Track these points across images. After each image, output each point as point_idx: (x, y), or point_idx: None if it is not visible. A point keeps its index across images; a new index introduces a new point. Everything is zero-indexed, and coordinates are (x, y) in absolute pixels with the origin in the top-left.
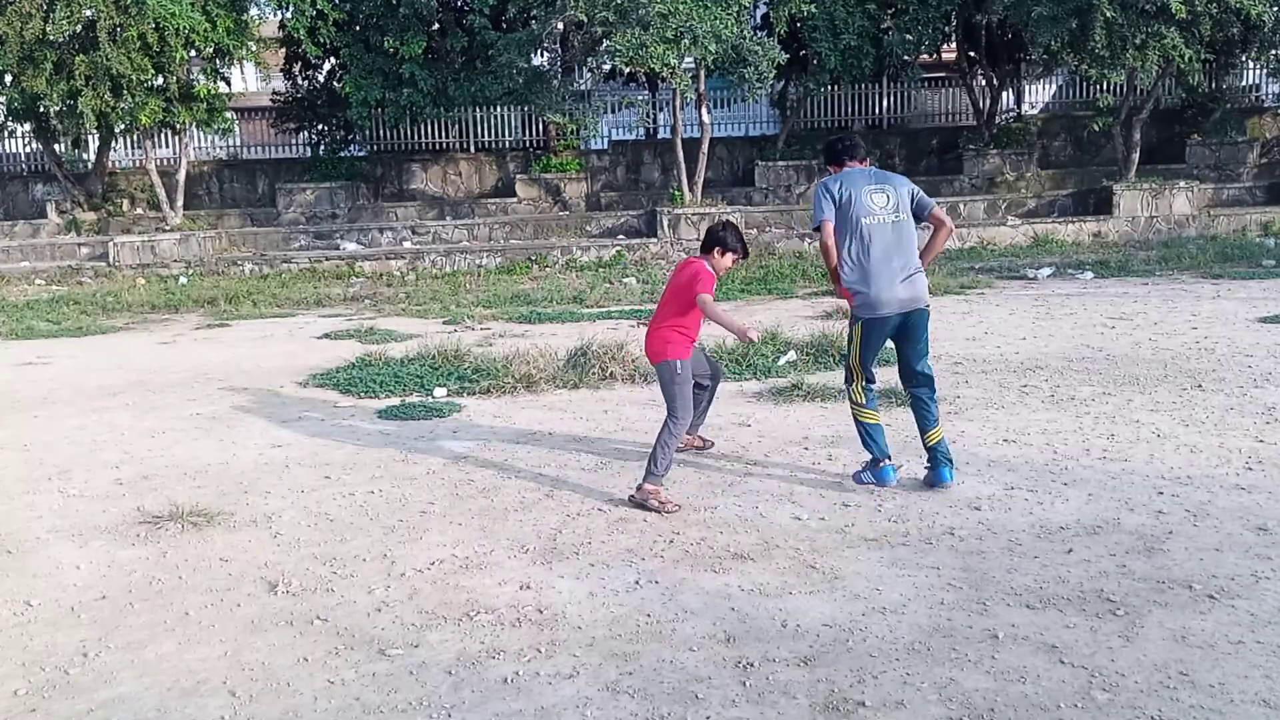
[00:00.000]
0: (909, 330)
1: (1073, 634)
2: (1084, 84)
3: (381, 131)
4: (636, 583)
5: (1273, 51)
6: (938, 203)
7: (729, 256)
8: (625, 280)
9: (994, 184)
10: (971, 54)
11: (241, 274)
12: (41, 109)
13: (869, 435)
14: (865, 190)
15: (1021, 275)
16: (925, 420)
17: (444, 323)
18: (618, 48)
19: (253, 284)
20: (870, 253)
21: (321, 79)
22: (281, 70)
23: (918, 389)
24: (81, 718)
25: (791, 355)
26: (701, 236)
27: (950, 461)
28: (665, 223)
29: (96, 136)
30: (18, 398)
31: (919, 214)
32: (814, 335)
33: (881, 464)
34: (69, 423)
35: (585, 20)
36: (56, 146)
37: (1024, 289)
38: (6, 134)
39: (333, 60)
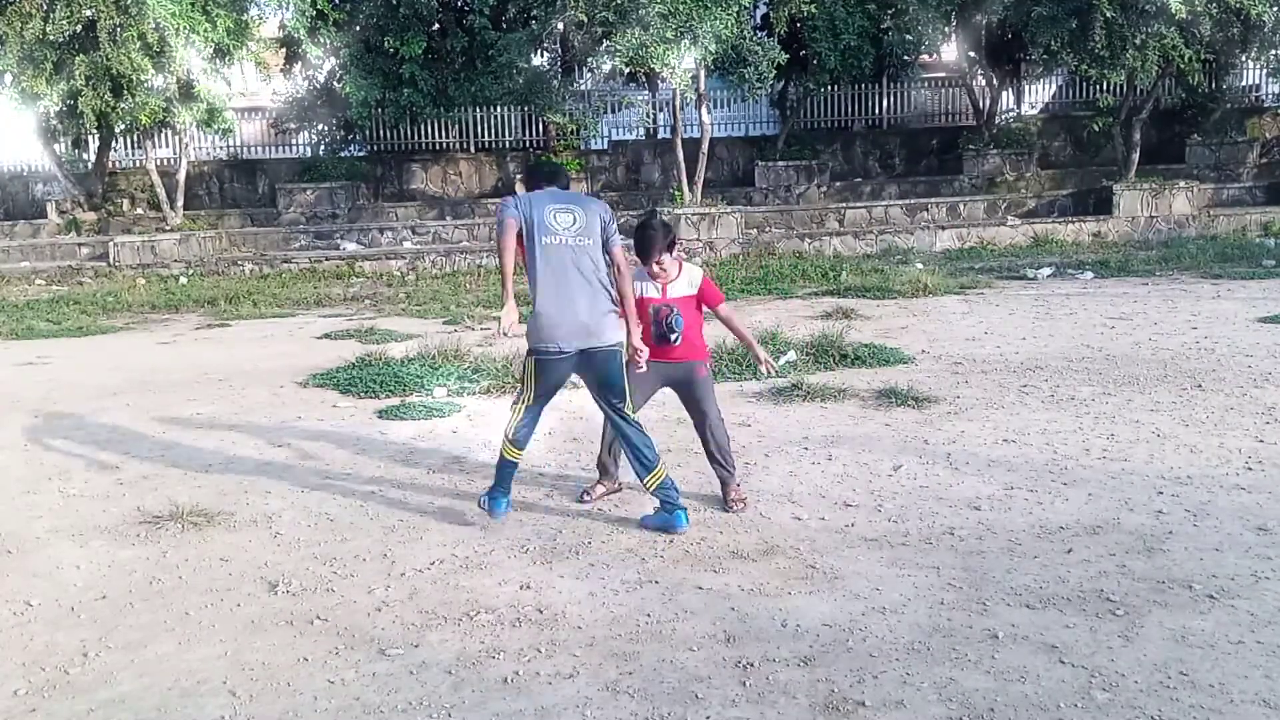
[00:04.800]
0: (594, 370)
1: (1073, 634)
2: (1084, 84)
3: (381, 131)
4: (637, 583)
5: (1273, 51)
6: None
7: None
8: None
9: (994, 184)
10: (971, 54)
11: (241, 274)
12: (41, 109)
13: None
14: (549, 209)
15: (1021, 275)
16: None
17: (444, 323)
18: (618, 48)
19: (253, 284)
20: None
21: (321, 79)
22: (281, 70)
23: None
24: (81, 718)
25: (791, 355)
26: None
27: (676, 505)
28: None
29: (96, 136)
30: (18, 398)
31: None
32: (814, 335)
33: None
34: (69, 423)
35: (585, 20)
36: (56, 146)
37: (1024, 289)
38: None
39: (333, 60)
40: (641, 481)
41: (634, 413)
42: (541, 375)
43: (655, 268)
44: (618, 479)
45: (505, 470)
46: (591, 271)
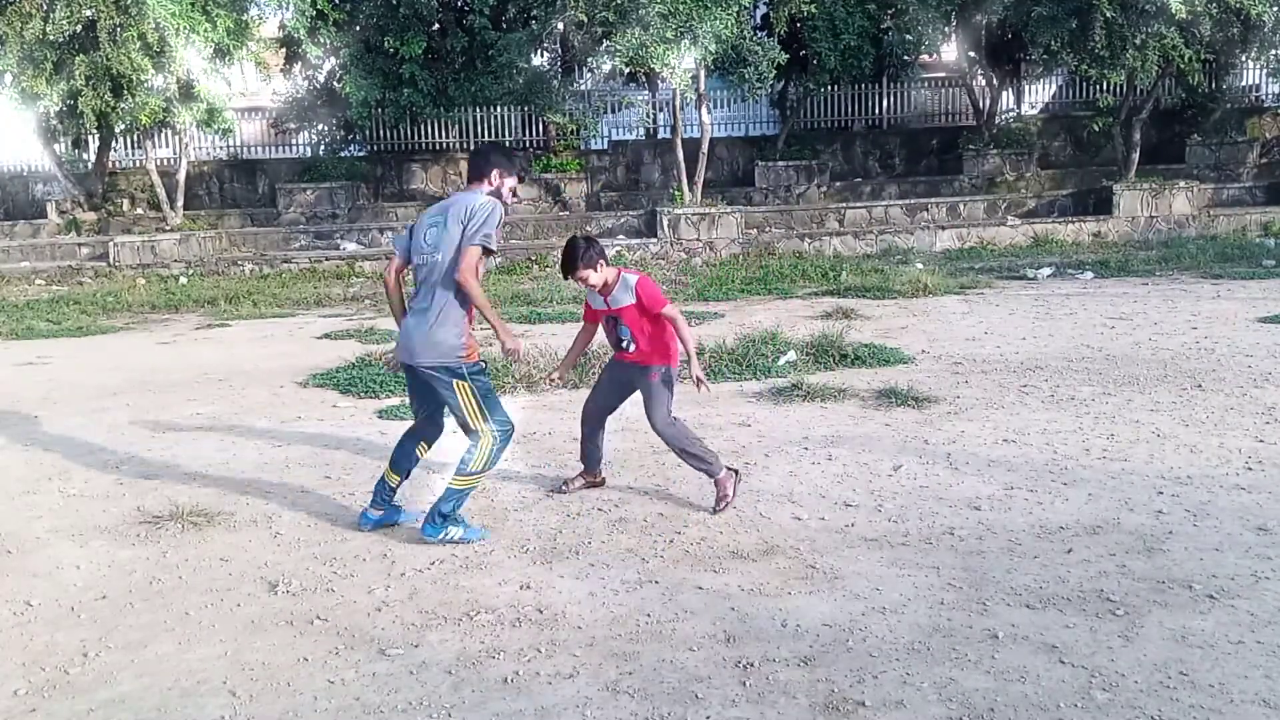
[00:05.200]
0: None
1: (1073, 634)
2: (1084, 84)
3: (381, 131)
4: (636, 583)
5: (1273, 51)
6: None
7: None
8: None
9: (994, 184)
10: (971, 54)
11: (241, 274)
12: (42, 109)
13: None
14: (425, 226)
15: (1021, 275)
16: (400, 461)
17: None
18: (618, 48)
19: (253, 284)
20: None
21: (321, 79)
22: (281, 70)
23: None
24: (81, 718)
25: (791, 355)
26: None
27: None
28: (665, 223)
29: (96, 136)
30: (18, 398)
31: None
32: (814, 335)
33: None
34: (69, 422)
35: (585, 20)
36: (56, 146)
37: (1024, 289)
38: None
39: (333, 60)
40: (452, 478)
41: (490, 434)
42: (407, 379)
43: (579, 283)
44: (595, 472)
45: (377, 487)
46: (437, 288)
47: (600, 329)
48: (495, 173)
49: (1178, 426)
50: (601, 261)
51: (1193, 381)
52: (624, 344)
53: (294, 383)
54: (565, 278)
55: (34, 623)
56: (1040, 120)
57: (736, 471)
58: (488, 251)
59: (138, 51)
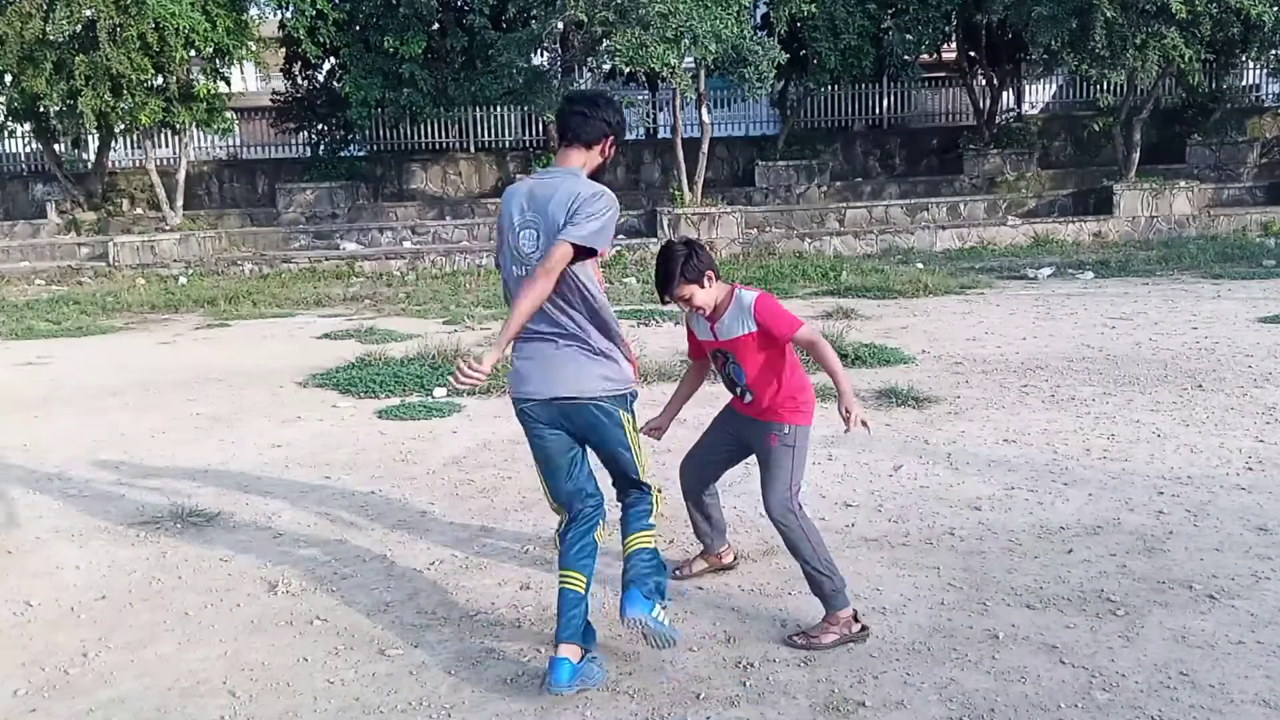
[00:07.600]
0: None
1: (1073, 634)
2: (1084, 84)
3: (381, 131)
4: None
5: (1273, 51)
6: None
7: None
8: (625, 280)
9: (994, 184)
10: (971, 54)
11: (241, 274)
12: (41, 109)
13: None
14: (516, 222)
15: (1022, 275)
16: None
17: (444, 323)
18: (618, 48)
19: (252, 284)
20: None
21: (321, 79)
22: (281, 70)
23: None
24: (81, 718)
25: None
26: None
27: (640, 587)
28: (665, 223)
29: (96, 136)
30: (18, 398)
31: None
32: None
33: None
34: (69, 422)
35: (585, 20)
36: (56, 146)
37: (1024, 289)
38: (6, 134)
39: (333, 60)
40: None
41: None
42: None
43: (681, 306)
44: (721, 552)
45: (565, 603)
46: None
47: (713, 368)
48: (609, 142)
49: (1178, 426)
50: (710, 274)
51: (1193, 381)
52: (739, 390)
53: (294, 383)
54: (662, 300)
55: (34, 623)
56: (1040, 120)
57: (864, 627)
58: (588, 253)
59: (138, 51)
